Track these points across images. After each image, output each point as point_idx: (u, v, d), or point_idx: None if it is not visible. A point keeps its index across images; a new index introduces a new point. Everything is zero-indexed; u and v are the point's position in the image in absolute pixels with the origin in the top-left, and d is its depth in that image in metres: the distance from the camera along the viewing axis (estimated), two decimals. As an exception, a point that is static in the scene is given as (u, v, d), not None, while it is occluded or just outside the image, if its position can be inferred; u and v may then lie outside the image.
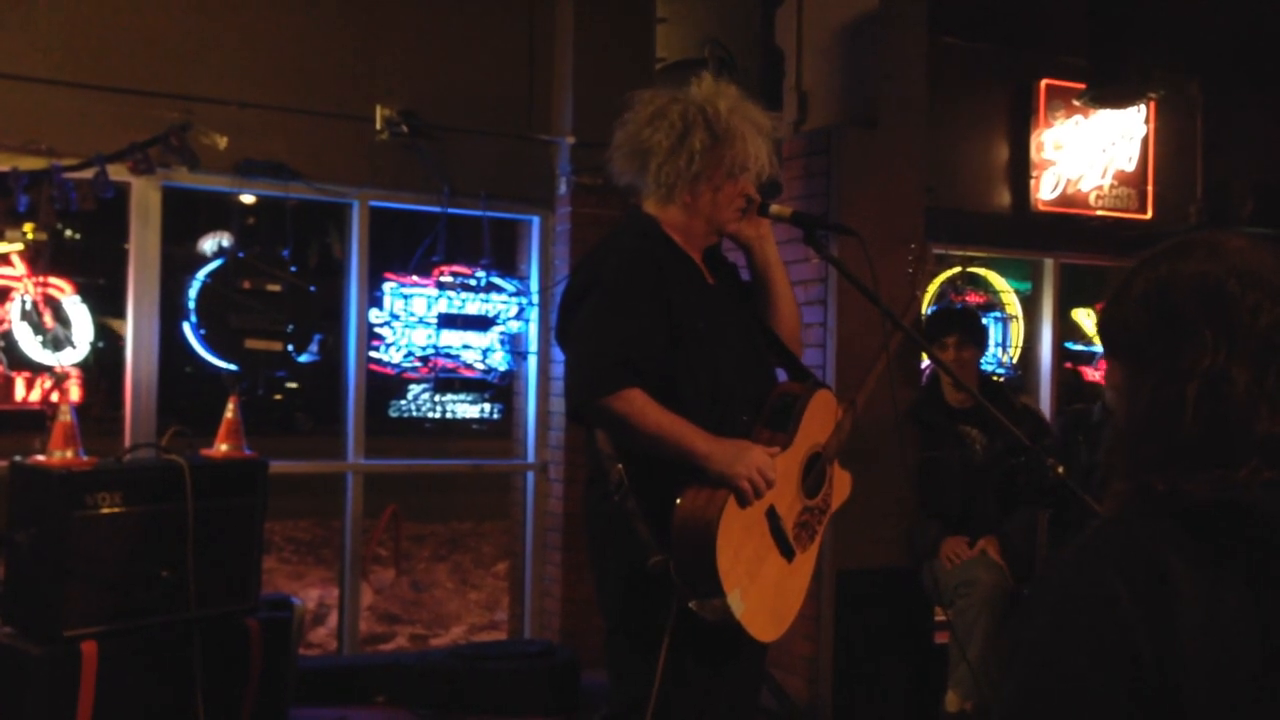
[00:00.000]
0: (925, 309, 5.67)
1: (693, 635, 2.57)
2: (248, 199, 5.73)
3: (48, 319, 5.03)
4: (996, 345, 6.92)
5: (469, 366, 5.82)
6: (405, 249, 5.81)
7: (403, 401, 5.94)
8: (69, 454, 3.79)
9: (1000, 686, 1.20)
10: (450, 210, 5.60)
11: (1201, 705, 1.09)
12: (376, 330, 5.62)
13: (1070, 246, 6.79)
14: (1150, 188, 6.78)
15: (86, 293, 5.24)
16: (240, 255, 5.55)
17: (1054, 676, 1.14)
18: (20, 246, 4.98)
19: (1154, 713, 1.09)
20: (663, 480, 2.56)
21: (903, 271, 3.39)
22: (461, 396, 6.01)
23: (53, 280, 5.08)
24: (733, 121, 2.69)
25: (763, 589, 2.62)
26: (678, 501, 2.54)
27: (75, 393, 4.95)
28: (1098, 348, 7.36)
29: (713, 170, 2.70)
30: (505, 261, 6.06)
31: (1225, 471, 1.16)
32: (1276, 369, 1.18)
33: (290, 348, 5.71)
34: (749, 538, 2.59)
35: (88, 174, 4.80)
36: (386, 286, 5.64)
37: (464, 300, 5.78)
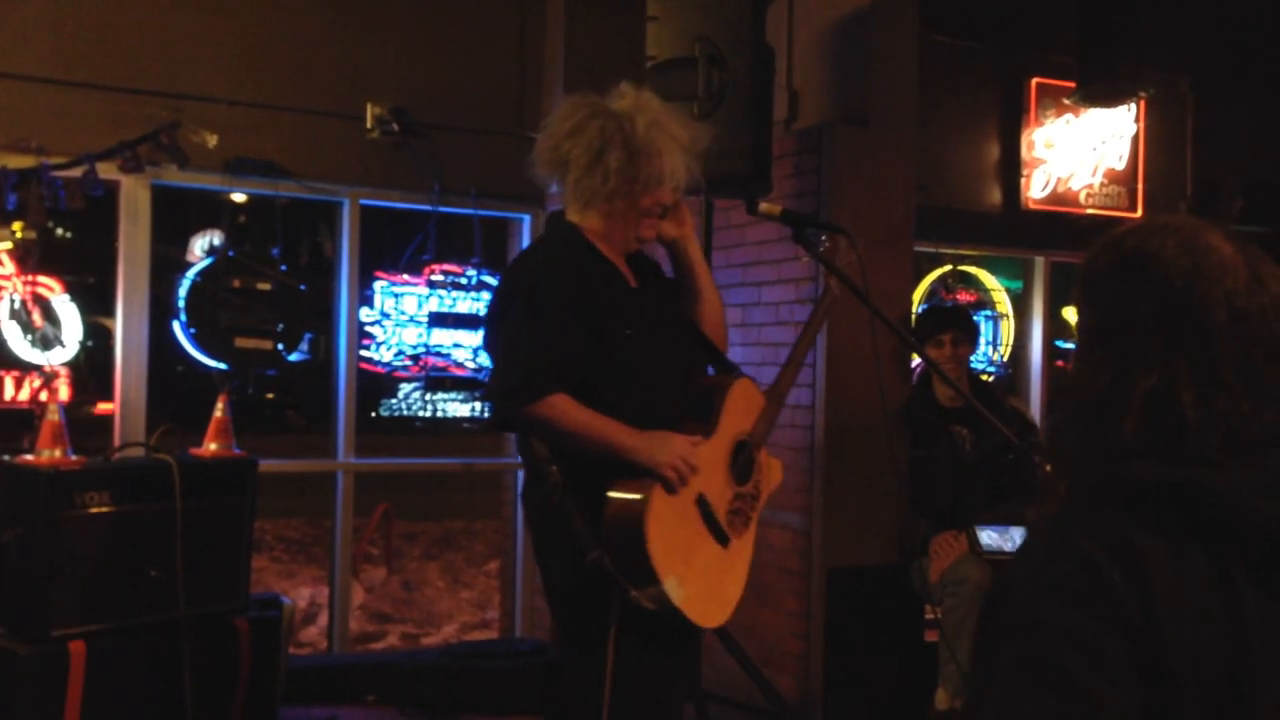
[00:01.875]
0: (916, 307, 5.67)
1: (637, 628, 2.64)
2: (238, 197, 5.73)
3: (37, 318, 5.02)
4: (987, 343, 6.93)
5: (460, 365, 5.82)
6: (396, 247, 5.81)
7: (393, 400, 5.94)
8: (57, 453, 3.78)
9: (977, 676, 1.17)
10: (441, 209, 5.59)
11: (1184, 677, 1.09)
12: (367, 329, 5.61)
13: (1061, 245, 6.80)
14: (1140, 186, 6.79)
15: (76, 291, 5.22)
16: (230, 254, 5.54)
17: (1060, 645, 1.10)
18: (9, 245, 4.97)
19: (1149, 679, 1.09)
20: (596, 478, 2.62)
21: (896, 270, 3.39)
22: (452, 395, 6.00)
23: (42, 279, 5.07)
24: (651, 136, 2.74)
25: (700, 575, 2.70)
26: (608, 495, 2.61)
27: (64, 391, 4.94)
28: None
29: (628, 185, 2.76)
30: (496, 260, 6.05)
31: (1175, 458, 1.17)
32: (1233, 360, 1.19)
33: (280, 346, 5.70)
34: (681, 525, 2.67)
35: (77, 172, 4.78)
36: (377, 285, 5.64)
37: (455, 299, 5.77)
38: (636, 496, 2.59)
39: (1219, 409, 1.18)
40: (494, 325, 2.78)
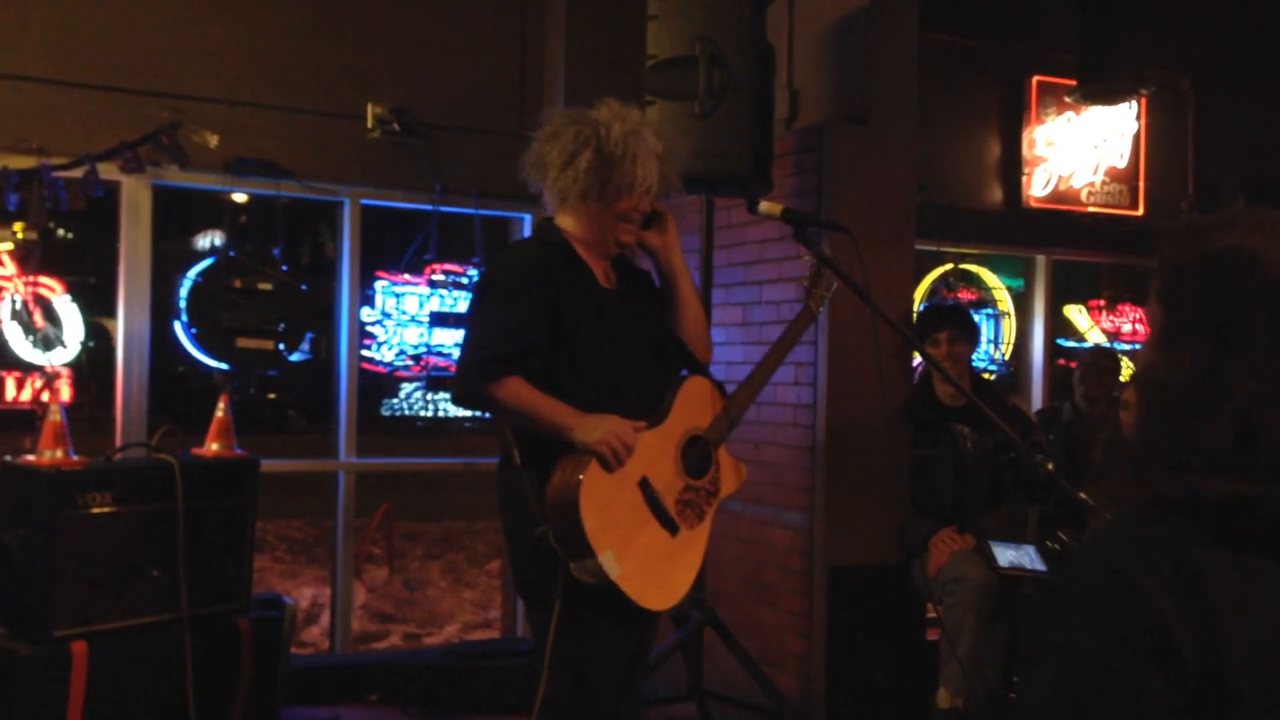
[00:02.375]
0: (917, 306, 5.67)
1: (582, 602, 2.78)
2: (239, 197, 5.72)
3: (38, 318, 5.02)
4: (989, 342, 6.92)
5: (461, 365, 5.81)
6: (397, 247, 5.81)
7: (395, 400, 5.94)
8: (59, 454, 3.79)
9: (1024, 690, 1.16)
10: (442, 208, 5.59)
11: (1249, 697, 1.07)
12: (368, 329, 5.61)
13: (1062, 243, 6.80)
14: (1141, 184, 6.78)
15: (77, 292, 5.22)
16: (231, 254, 5.54)
17: (1096, 677, 1.10)
18: (10, 246, 4.97)
19: (1203, 707, 1.07)
20: (552, 459, 2.77)
21: (897, 269, 3.39)
22: (454, 395, 6.00)
23: (43, 280, 5.07)
24: (625, 143, 2.89)
25: (642, 556, 2.82)
26: (552, 471, 2.76)
27: (65, 392, 4.94)
28: (1090, 344, 7.37)
29: (599, 187, 2.91)
30: (497, 259, 6.04)
31: (1247, 475, 1.13)
32: None
33: (282, 346, 5.71)
34: (620, 503, 2.80)
35: (78, 173, 4.78)
36: (378, 285, 5.64)
37: (456, 298, 5.77)
38: (575, 470, 2.72)
39: None
40: (468, 312, 3.02)
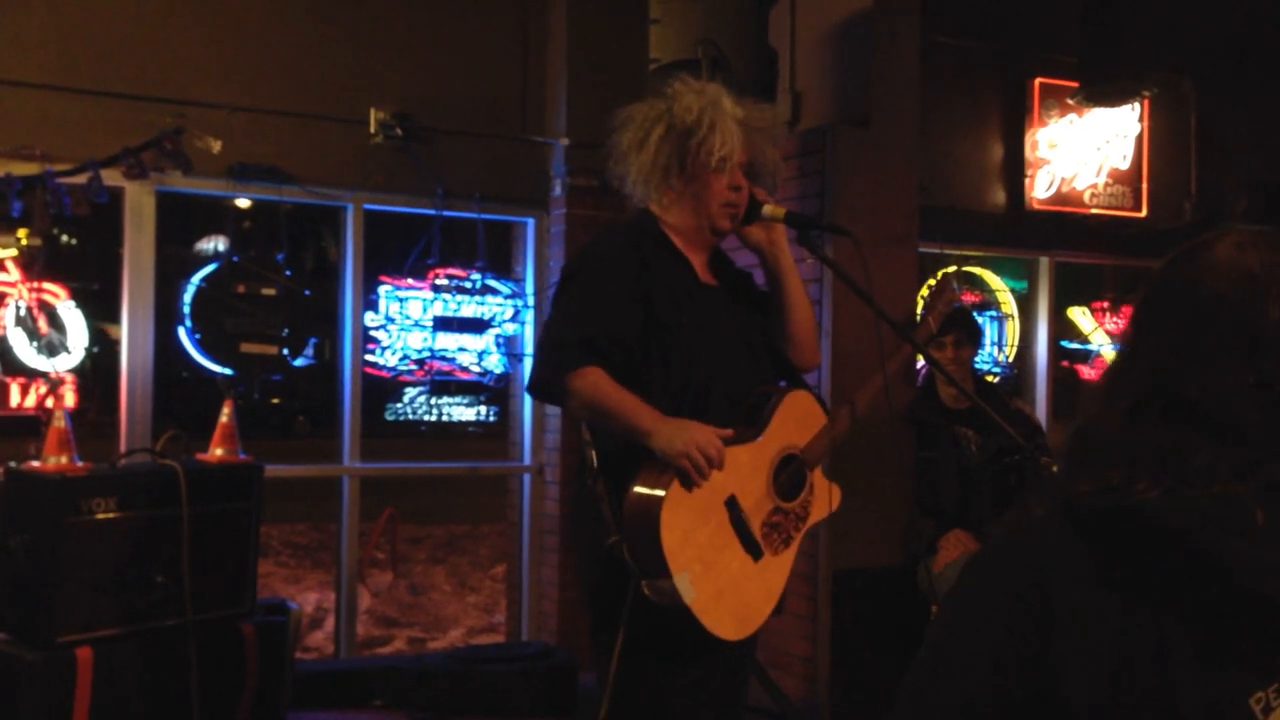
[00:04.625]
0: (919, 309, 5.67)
1: (651, 622, 2.57)
2: (242, 203, 5.72)
3: (42, 324, 5.02)
4: (992, 344, 6.92)
5: (465, 369, 5.82)
6: (400, 252, 5.81)
7: (399, 404, 5.94)
8: (64, 459, 3.79)
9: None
10: (445, 213, 5.60)
11: (1079, 707, 1.08)
12: (372, 333, 5.61)
13: (1065, 245, 6.80)
14: (1145, 186, 6.78)
15: (81, 298, 5.23)
16: (235, 259, 5.55)
17: (945, 674, 1.17)
18: (14, 252, 4.97)
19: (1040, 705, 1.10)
20: (629, 463, 2.57)
21: (900, 272, 3.39)
22: (457, 399, 6.00)
23: (47, 285, 5.07)
24: (700, 112, 2.71)
25: (721, 580, 2.58)
26: (633, 480, 2.56)
27: (70, 398, 4.95)
28: (1093, 346, 7.37)
29: (679, 162, 2.74)
30: (500, 264, 6.05)
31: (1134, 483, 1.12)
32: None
33: (285, 351, 5.71)
34: (703, 522, 2.57)
35: (81, 179, 4.79)
36: (382, 289, 5.64)
37: (459, 303, 5.78)
38: (657, 483, 2.52)
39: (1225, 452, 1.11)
40: (552, 302, 2.80)
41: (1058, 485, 1.19)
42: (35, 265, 5.00)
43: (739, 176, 2.79)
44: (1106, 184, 6.68)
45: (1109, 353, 7.37)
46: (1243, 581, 1.05)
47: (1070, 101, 6.32)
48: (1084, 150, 6.57)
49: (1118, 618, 1.08)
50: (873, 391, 3.02)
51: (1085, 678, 1.08)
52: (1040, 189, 6.50)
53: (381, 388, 5.77)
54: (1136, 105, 6.59)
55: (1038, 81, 6.47)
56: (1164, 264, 1.22)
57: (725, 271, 2.94)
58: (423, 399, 5.93)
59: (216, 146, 5.00)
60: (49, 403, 4.85)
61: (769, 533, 2.69)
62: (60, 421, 3.84)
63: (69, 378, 5.01)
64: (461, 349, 5.79)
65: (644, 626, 2.57)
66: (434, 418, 5.98)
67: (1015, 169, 6.50)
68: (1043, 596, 1.11)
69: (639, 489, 2.54)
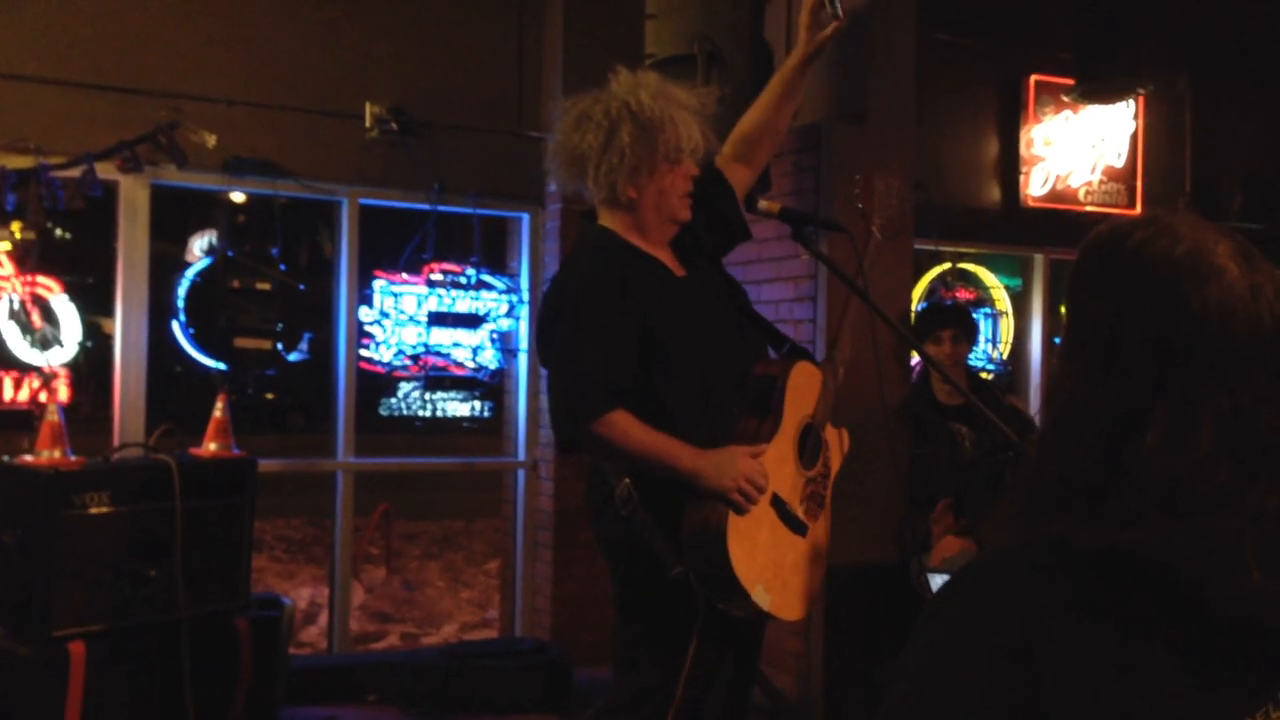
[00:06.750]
0: (915, 305, 5.67)
1: (719, 629, 2.68)
2: (237, 197, 5.71)
3: (36, 318, 5.01)
4: (987, 341, 6.92)
5: (459, 365, 5.81)
6: (395, 246, 5.80)
7: (393, 400, 5.95)
8: (57, 454, 3.79)
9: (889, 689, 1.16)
10: (440, 208, 5.59)
11: None
12: (366, 328, 5.60)
13: (1060, 242, 6.79)
14: (1139, 183, 6.79)
15: (75, 292, 5.22)
16: (229, 254, 5.53)
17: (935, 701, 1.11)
18: (8, 246, 4.96)
19: None
20: (669, 490, 2.60)
21: (895, 268, 3.38)
22: (452, 394, 6.01)
23: (41, 279, 5.06)
24: (658, 107, 2.69)
25: (785, 572, 2.72)
26: (685, 514, 2.59)
27: (63, 392, 4.94)
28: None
29: (649, 160, 2.70)
30: (495, 259, 6.05)
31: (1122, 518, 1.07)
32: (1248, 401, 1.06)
33: (280, 346, 5.70)
34: (759, 532, 2.66)
35: (75, 172, 4.78)
36: (376, 284, 5.63)
37: (454, 298, 5.77)
38: (711, 520, 2.57)
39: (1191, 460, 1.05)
40: (545, 338, 2.74)
41: (1026, 518, 1.14)
42: (29, 259, 4.99)
43: (693, 165, 2.79)
44: (1101, 181, 6.68)
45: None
46: (1226, 609, 1.04)
47: (1065, 98, 6.31)
48: (1079, 147, 6.57)
49: (1107, 653, 1.05)
50: (848, 329, 3.06)
51: (1079, 717, 1.06)
52: (1035, 186, 6.51)
53: (376, 383, 5.77)
54: (1131, 102, 6.59)
55: (1033, 78, 6.47)
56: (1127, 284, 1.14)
57: (683, 252, 2.91)
58: (417, 394, 5.93)
59: (211, 140, 4.99)
60: (42, 397, 4.85)
61: (809, 505, 2.83)
62: (53, 415, 3.84)
63: (62, 372, 5.00)
64: (456, 344, 5.78)
65: (713, 632, 2.68)
66: (428, 413, 5.99)
67: (1010, 166, 6.50)
68: (1025, 640, 1.06)
69: (694, 529, 2.58)
